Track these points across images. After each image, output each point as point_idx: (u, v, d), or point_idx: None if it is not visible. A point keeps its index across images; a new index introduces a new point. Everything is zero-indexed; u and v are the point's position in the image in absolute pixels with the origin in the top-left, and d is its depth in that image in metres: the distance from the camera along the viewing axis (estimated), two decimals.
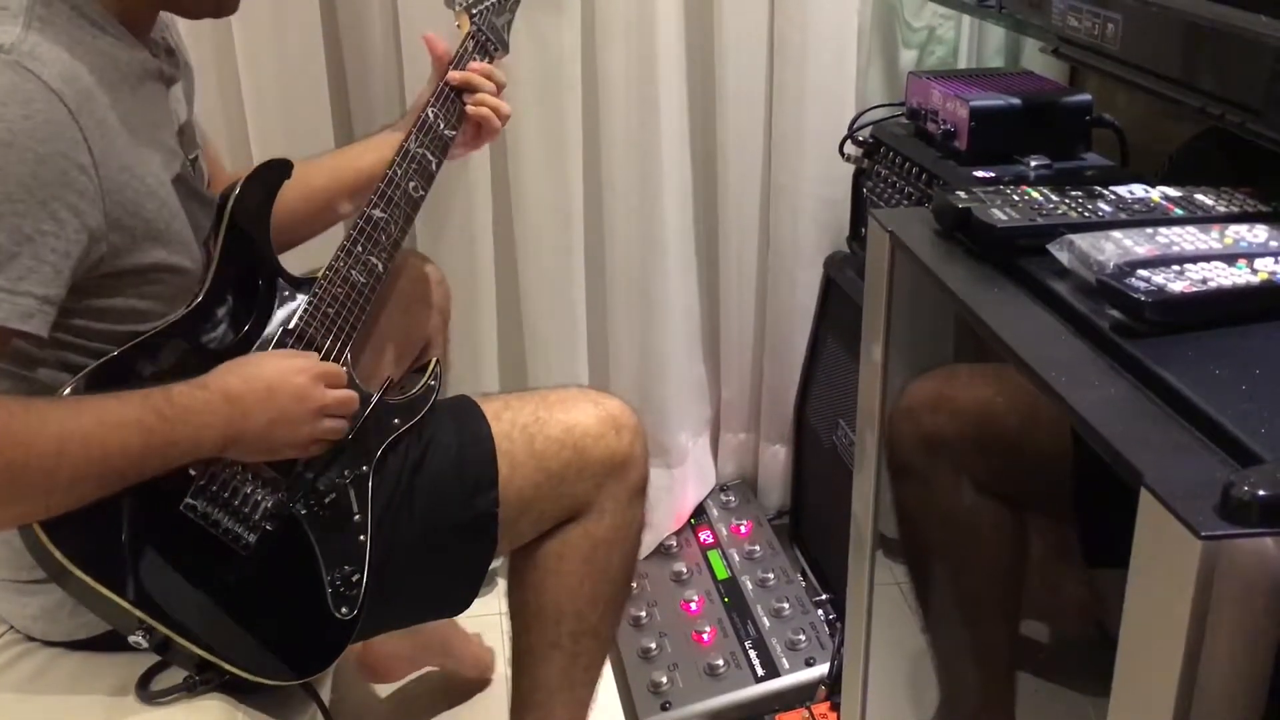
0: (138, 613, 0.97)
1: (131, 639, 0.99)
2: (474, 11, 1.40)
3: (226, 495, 1.03)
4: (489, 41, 1.39)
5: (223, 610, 1.02)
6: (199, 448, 0.99)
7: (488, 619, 1.91)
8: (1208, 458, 0.69)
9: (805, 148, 1.91)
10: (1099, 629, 0.80)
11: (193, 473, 1.02)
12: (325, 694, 1.16)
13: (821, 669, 1.70)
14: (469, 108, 1.32)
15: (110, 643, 1.07)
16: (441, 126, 1.28)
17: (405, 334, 1.43)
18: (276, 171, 1.18)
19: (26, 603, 1.09)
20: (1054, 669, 1.02)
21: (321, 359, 1.12)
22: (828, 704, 1.66)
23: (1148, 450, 0.70)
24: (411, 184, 1.24)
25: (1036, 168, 1.30)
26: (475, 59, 1.36)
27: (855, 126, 1.66)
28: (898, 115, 1.60)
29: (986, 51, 1.98)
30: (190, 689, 1.02)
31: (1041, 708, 1.05)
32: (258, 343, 1.09)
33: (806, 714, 1.65)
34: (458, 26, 1.40)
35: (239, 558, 1.04)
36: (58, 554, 0.94)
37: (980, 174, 1.31)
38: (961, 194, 1.04)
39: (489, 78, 1.34)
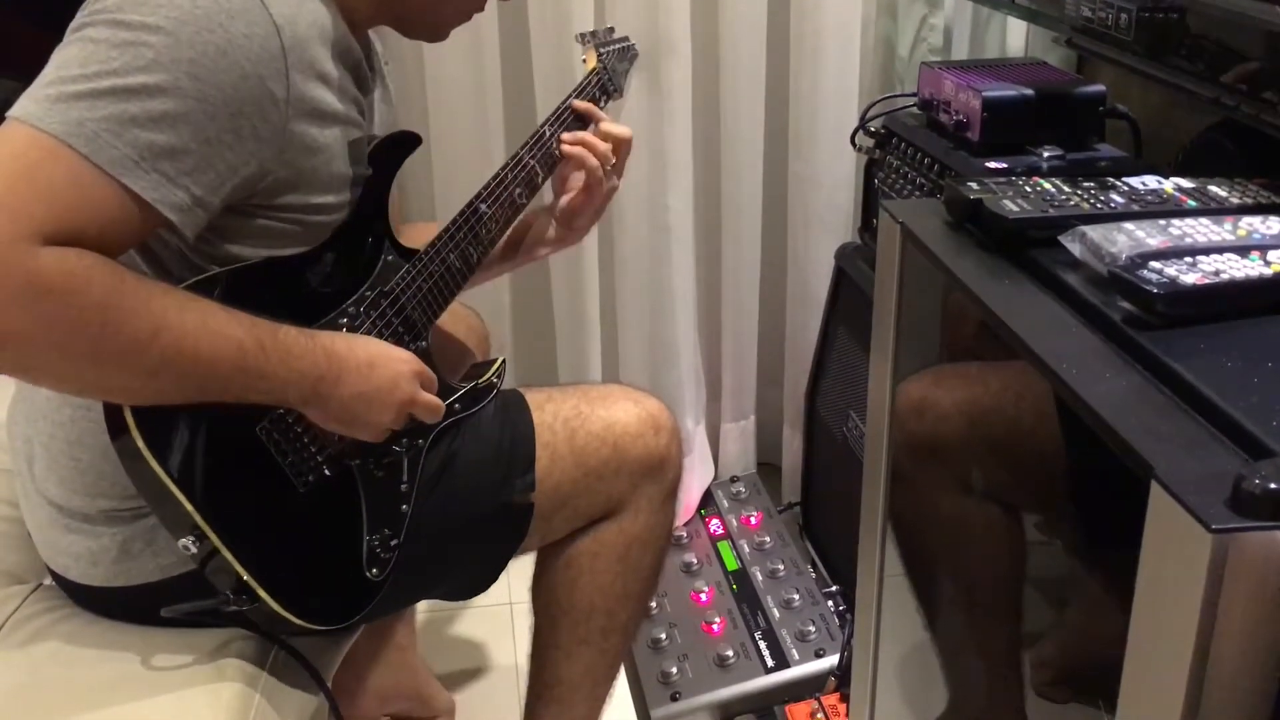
0: (196, 515, 0.98)
1: (181, 542, 1.00)
2: (602, 51, 1.44)
3: (299, 430, 1.06)
4: (609, 82, 1.43)
5: (270, 538, 1.04)
6: (284, 391, 1.00)
7: (497, 609, 1.93)
8: (1219, 450, 0.69)
9: (817, 138, 1.92)
10: (1103, 630, 0.80)
11: None
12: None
13: (831, 660, 1.70)
14: (565, 147, 1.30)
15: (134, 612, 1.09)
16: (553, 145, 1.32)
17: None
18: (408, 142, 1.19)
19: (73, 541, 1.10)
20: (1059, 676, 1.02)
21: (410, 331, 1.15)
22: (837, 695, 1.66)
23: (1159, 443, 0.70)
24: (518, 190, 1.28)
25: (1049, 159, 1.29)
26: (595, 94, 1.39)
27: (867, 117, 1.65)
28: (909, 106, 1.59)
29: (979, 40, 1.97)
30: (219, 609, 1.03)
31: (1052, 708, 1.04)
32: (354, 297, 1.11)
33: (816, 705, 1.65)
34: (583, 61, 1.45)
35: (295, 493, 1.06)
36: (134, 428, 0.95)
37: (992, 165, 1.30)
38: (973, 185, 1.03)
39: (609, 135, 1.33)
